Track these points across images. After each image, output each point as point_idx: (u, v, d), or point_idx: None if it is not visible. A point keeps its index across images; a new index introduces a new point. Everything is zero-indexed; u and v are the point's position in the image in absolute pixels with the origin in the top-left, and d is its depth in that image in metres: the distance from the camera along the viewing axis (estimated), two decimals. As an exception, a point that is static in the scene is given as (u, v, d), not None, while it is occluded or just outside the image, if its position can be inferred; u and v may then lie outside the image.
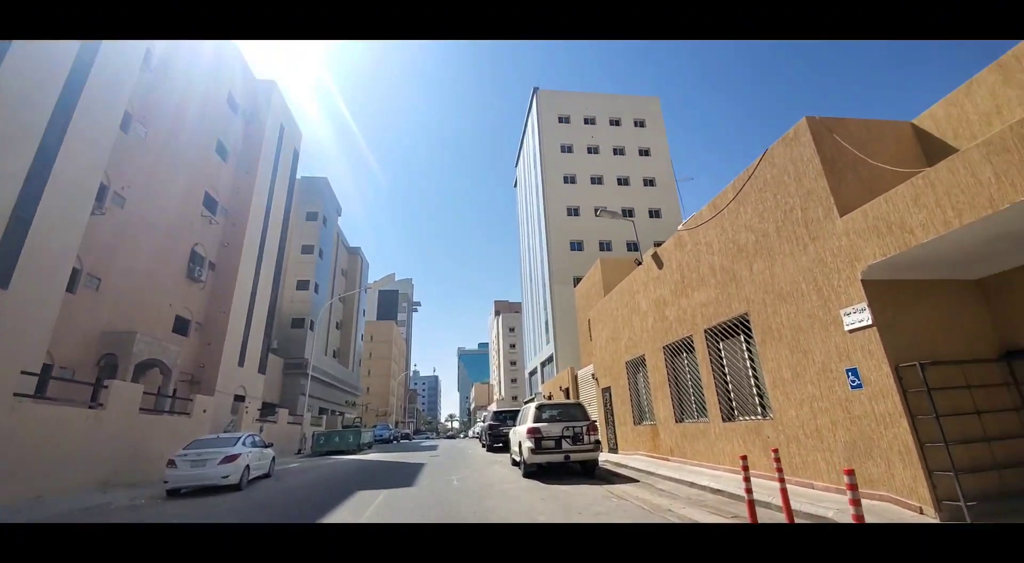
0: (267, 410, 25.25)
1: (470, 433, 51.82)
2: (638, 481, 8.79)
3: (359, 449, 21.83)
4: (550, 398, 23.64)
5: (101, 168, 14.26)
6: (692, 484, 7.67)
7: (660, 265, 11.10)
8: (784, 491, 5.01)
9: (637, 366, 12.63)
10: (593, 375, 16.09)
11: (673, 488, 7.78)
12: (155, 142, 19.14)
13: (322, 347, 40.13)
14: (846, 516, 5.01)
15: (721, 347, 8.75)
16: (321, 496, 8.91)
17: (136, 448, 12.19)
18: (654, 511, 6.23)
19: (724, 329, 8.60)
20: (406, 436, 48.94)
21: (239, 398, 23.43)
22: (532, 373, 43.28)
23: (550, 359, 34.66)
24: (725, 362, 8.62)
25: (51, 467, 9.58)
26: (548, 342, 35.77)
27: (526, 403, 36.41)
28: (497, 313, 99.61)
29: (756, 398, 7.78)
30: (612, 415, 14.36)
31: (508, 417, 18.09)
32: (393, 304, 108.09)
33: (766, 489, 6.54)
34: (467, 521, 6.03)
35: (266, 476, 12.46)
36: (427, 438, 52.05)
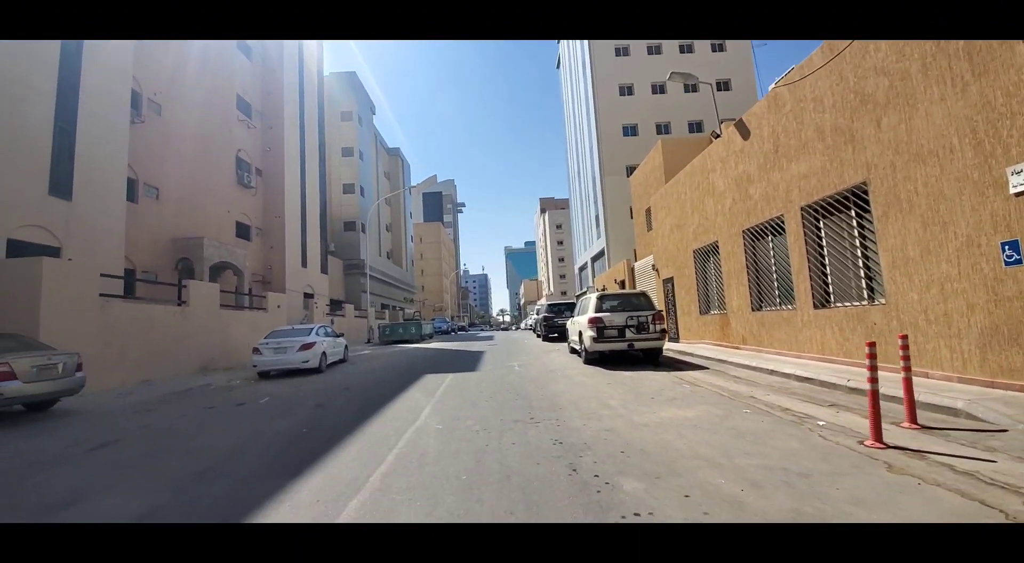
0: (335, 306, 27.16)
1: (522, 325, 54.35)
2: (707, 368, 8.45)
3: (421, 339, 23.37)
4: (603, 290, 23.45)
5: (128, 73, 13.69)
6: (772, 372, 7.18)
7: (746, 135, 9.38)
8: (908, 380, 4.32)
9: (707, 254, 11.62)
10: (653, 266, 15.29)
11: (750, 376, 7.35)
12: (175, 42, 17.92)
13: (375, 249, 41.51)
14: (978, 407, 4.32)
15: (821, 226, 7.52)
16: (393, 379, 9.40)
17: (224, 339, 13.40)
18: (733, 398, 5.85)
19: (829, 205, 7.27)
20: (462, 328, 52.31)
21: (308, 296, 25.13)
22: (582, 268, 43.10)
23: (601, 254, 33.90)
24: (825, 243, 7.46)
25: (153, 357, 10.69)
26: (599, 237, 34.66)
27: (579, 297, 36.92)
28: (543, 211, 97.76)
29: (863, 281, 6.76)
30: (674, 306, 13.83)
31: (563, 309, 18.16)
32: (438, 206, 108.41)
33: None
34: (533, 402, 5.98)
35: (342, 361, 13.48)
36: (481, 330, 55.47)
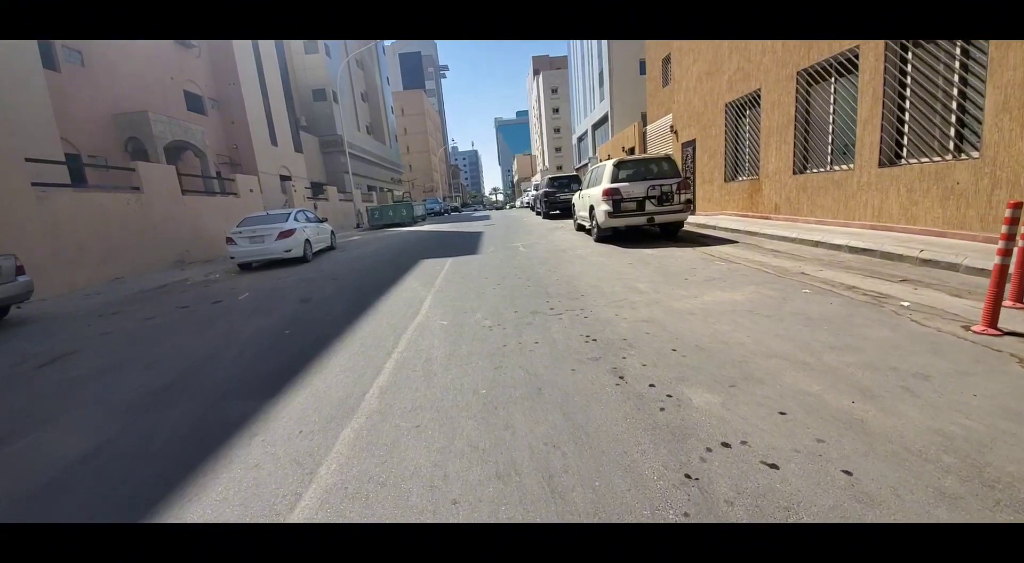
0: (316, 189, 25.27)
1: (517, 203, 52.54)
2: (736, 242, 7.59)
3: (414, 221, 22.23)
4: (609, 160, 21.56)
5: None
6: (818, 243, 6.31)
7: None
8: (1027, 250, 3.40)
9: (743, 107, 9.87)
10: (672, 128, 13.43)
11: (791, 249, 6.51)
12: None
13: (352, 122, 37.52)
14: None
15: (909, 59, 5.89)
16: (386, 266, 8.59)
17: (197, 229, 12.24)
18: (782, 275, 5.05)
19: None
20: (455, 209, 50.66)
21: (285, 178, 23.14)
22: (581, 138, 39.83)
23: (604, 119, 30.78)
24: (909, 82, 5.92)
25: (118, 252, 9.65)
26: (602, 99, 31.02)
27: (579, 169, 34.68)
28: (536, 72, 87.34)
29: (952, 130, 5.47)
30: (694, 173, 12.45)
31: (567, 183, 16.67)
32: (418, 70, 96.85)
33: (940, 247, 5.03)
34: (548, 288, 5.21)
35: (330, 248, 12.57)
36: (475, 210, 53.87)
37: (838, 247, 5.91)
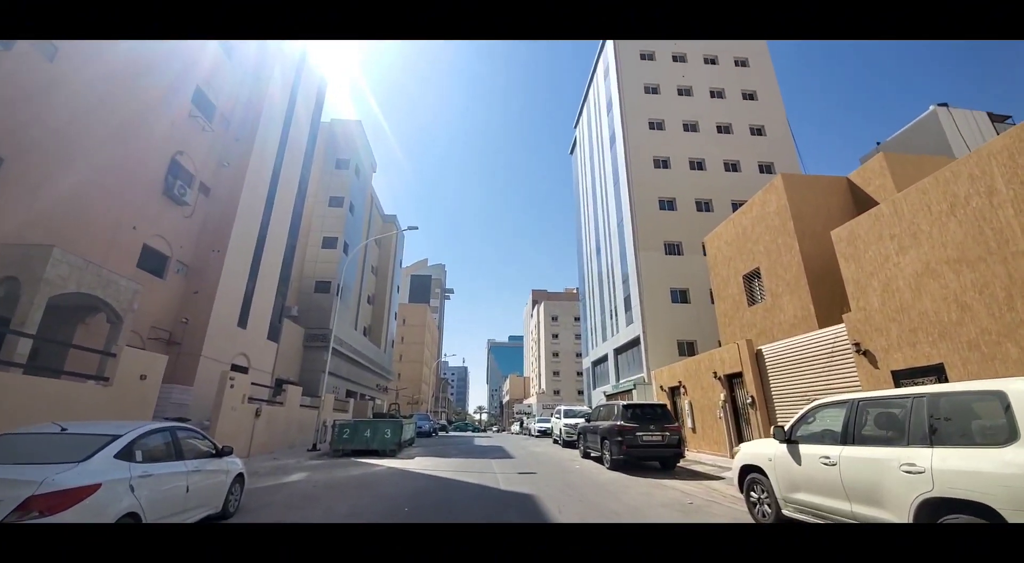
0: (277, 389, 18.92)
1: (513, 429, 44.67)
2: None
3: (398, 449, 15.06)
4: (673, 391, 16.14)
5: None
6: None
7: None
8: None
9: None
10: (858, 348, 8.44)
11: None
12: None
13: (351, 321, 33.99)
14: None
15: None
16: None
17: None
18: None
19: None
20: (443, 428, 42.52)
21: (240, 368, 17.16)
22: (598, 362, 35.77)
23: (634, 343, 27.12)
24: None
25: None
26: (629, 323, 28.23)
27: (610, 396, 29.15)
28: (536, 303, 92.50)
29: None
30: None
31: (656, 415, 10.90)
32: (426, 289, 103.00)
33: None
34: None
35: (219, 516, 5.67)
36: (463, 431, 45.42)
37: None
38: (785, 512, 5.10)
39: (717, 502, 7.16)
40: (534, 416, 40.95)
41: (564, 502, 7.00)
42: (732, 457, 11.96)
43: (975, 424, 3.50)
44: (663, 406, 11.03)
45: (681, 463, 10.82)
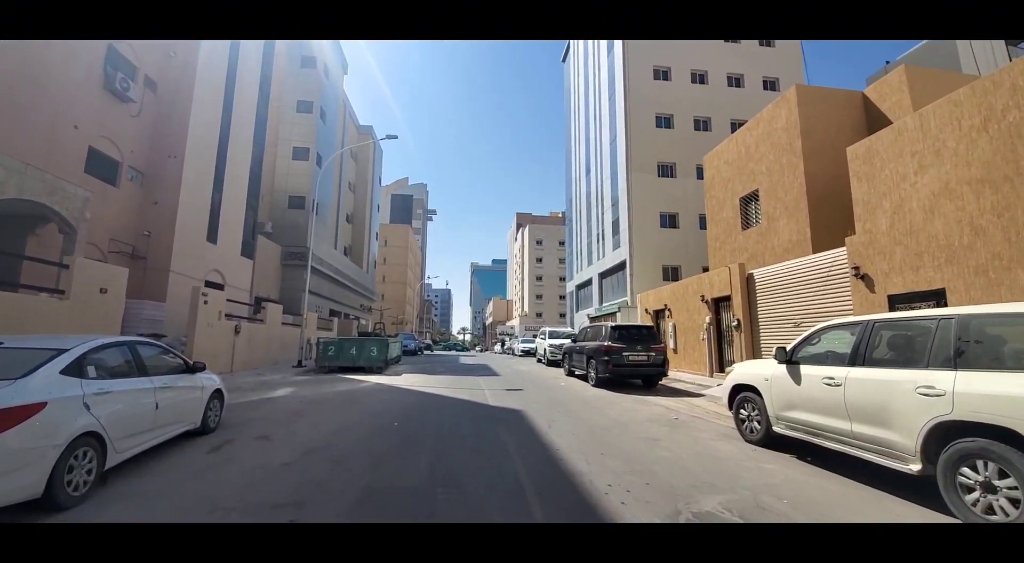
0: (257, 307, 18.51)
1: (496, 348, 46.35)
2: None
3: (385, 366, 15.22)
4: (658, 314, 16.36)
5: None
6: None
7: None
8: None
9: None
10: (856, 271, 8.28)
11: None
12: None
13: (330, 239, 32.89)
14: None
15: None
16: None
17: None
18: None
19: None
20: (428, 347, 43.75)
21: (215, 285, 16.51)
22: (582, 285, 36.22)
23: (620, 266, 27.18)
24: None
25: None
26: (616, 246, 28.02)
27: (594, 319, 29.94)
28: (520, 226, 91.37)
29: None
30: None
31: (643, 336, 10.99)
32: (408, 210, 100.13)
33: None
34: None
35: (199, 431, 5.47)
36: (449, 351, 46.94)
37: None
38: (776, 429, 5.14)
39: (700, 418, 7.35)
40: (517, 337, 42.27)
41: (553, 417, 7.06)
42: (711, 376, 12.60)
43: (1008, 348, 3.29)
44: (650, 327, 11.12)
45: (662, 381, 11.15)
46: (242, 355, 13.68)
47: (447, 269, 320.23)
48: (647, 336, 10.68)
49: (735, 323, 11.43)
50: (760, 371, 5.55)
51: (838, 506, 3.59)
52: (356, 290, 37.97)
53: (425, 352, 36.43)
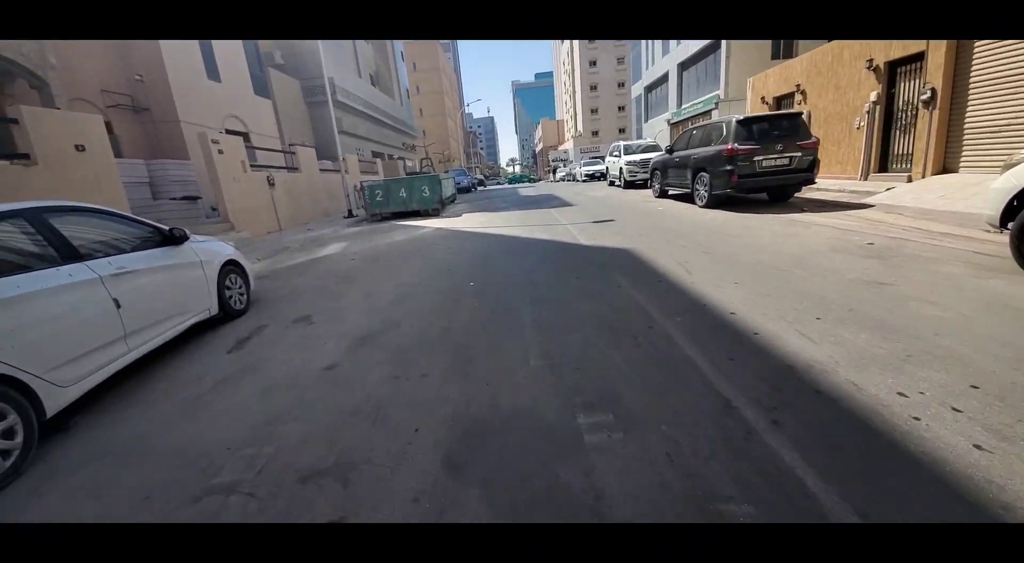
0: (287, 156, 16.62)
1: (554, 177, 42.78)
2: None
3: (441, 207, 13.52)
4: (779, 103, 12.28)
5: None
6: None
7: None
8: None
9: None
10: None
11: None
12: None
13: (351, 66, 28.33)
14: None
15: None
16: None
17: None
18: None
19: None
20: (480, 183, 41.57)
21: (238, 133, 14.52)
22: (653, 86, 29.96)
23: (710, 49, 21.11)
24: None
25: None
26: (703, 23, 21.34)
27: (675, 125, 25.20)
28: (566, 23, 75.23)
29: None
30: None
31: (786, 128, 7.85)
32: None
33: None
34: None
35: (222, 319, 4.15)
36: (514, 182, 44.21)
37: None
38: None
39: (907, 239, 4.96)
40: (571, 162, 38.24)
41: (682, 256, 5.02)
42: (864, 179, 9.44)
43: None
44: (795, 116, 7.80)
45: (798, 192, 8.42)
46: (286, 210, 12.44)
47: (486, 91, 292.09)
48: (790, 129, 7.56)
49: (927, 95, 7.73)
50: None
51: None
52: (395, 127, 34.60)
53: (479, 188, 34.47)
